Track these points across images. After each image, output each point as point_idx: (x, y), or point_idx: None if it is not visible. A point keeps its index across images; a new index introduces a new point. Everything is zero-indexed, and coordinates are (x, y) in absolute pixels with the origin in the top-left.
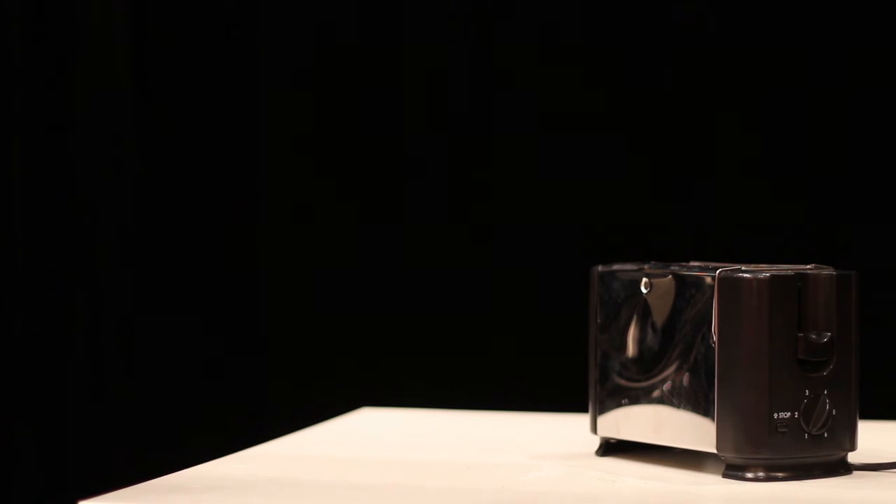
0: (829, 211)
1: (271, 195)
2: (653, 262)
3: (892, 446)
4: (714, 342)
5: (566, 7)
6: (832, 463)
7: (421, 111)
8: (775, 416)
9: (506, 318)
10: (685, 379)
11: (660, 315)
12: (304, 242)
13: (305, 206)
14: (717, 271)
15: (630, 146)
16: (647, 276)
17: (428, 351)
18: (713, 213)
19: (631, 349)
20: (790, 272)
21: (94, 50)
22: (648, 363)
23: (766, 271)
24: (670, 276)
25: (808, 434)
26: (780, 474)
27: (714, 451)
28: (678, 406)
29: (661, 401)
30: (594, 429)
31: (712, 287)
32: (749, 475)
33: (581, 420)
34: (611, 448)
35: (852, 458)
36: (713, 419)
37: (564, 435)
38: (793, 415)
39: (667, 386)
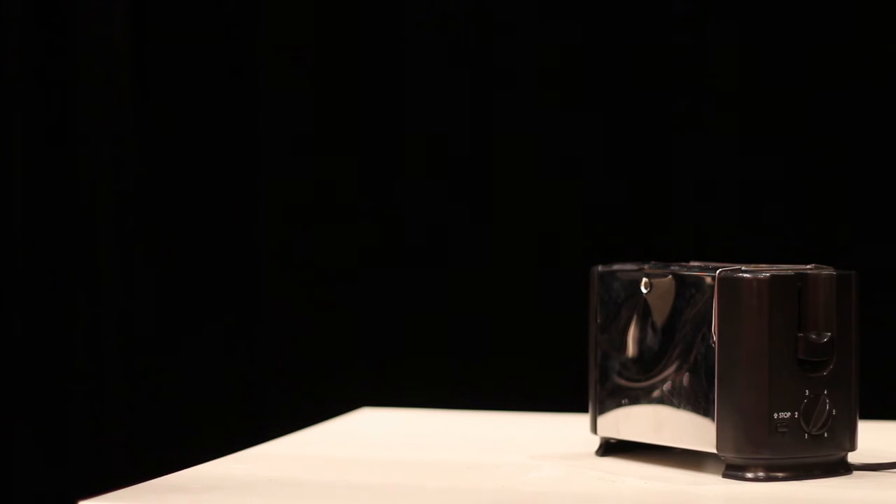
0: (829, 211)
1: (271, 195)
2: (653, 262)
3: (892, 446)
4: (714, 342)
5: (566, 7)
6: (832, 463)
7: (421, 110)
8: (775, 416)
9: (506, 318)
10: (685, 379)
11: (660, 315)
12: (304, 242)
13: (305, 205)
14: (717, 271)
15: (630, 146)
16: (647, 276)
17: (428, 351)
18: (713, 213)
19: (631, 349)
20: (790, 272)
21: (94, 50)
22: (648, 363)
23: (766, 271)
24: (670, 276)
25: (808, 434)
26: (780, 474)
27: (714, 451)
28: (678, 406)
29: (661, 401)
30: (594, 429)
31: (712, 287)
32: (749, 475)
33: (581, 420)
34: (611, 448)
35: (852, 458)
36: (713, 419)
37: (564, 435)
38: (793, 415)
39: (667, 386)
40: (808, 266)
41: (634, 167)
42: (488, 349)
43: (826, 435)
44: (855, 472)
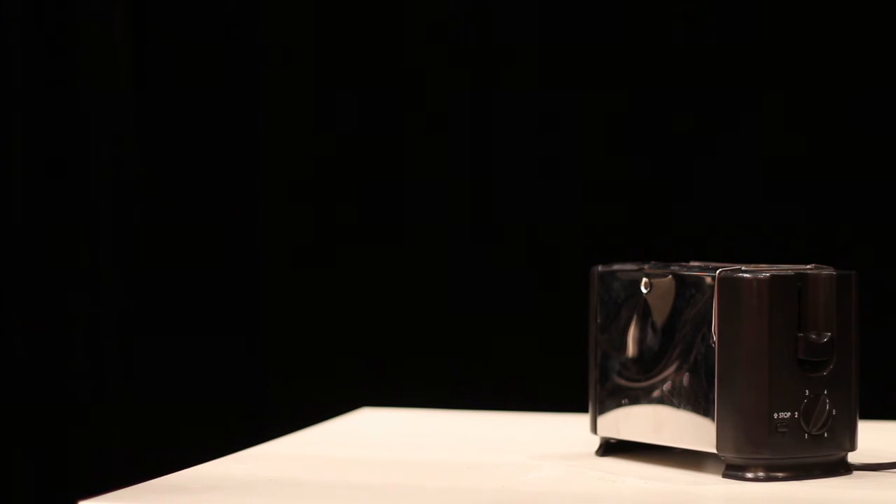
0: (829, 211)
1: (271, 195)
2: (653, 262)
3: (892, 446)
4: (714, 342)
5: (566, 7)
6: (832, 463)
7: (421, 110)
8: (775, 416)
9: (506, 318)
10: (685, 379)
11: (660, 315)
12: (304, 242)
13: (305, 205)
14: (717, 271)
15: (630, 146)
16: (647, 276)
17: (428, 351)
18: (713, 213)
19: (631, 349)
20: (790, 272)
21: (94, 50)
22: (648, 363)
23: (766, 271)
24: (670, 276)
25: (808, 434)
26: (780, 474)
27: (714, 451)
28: (678, 406)
29: (661, 401)
30: (594, 429)
31: (712, 287)
32: (749, 475)
33: (581, 420)
34: (611, 448)
35: (852, 458)
36: (713, 419)
37: (564, 435)
38: (793, 415)
39: (667, 386)
40: (808, 266)
41: (634, 167)
42: (488, 349)
43: (826, 435)
44: (855, 472)
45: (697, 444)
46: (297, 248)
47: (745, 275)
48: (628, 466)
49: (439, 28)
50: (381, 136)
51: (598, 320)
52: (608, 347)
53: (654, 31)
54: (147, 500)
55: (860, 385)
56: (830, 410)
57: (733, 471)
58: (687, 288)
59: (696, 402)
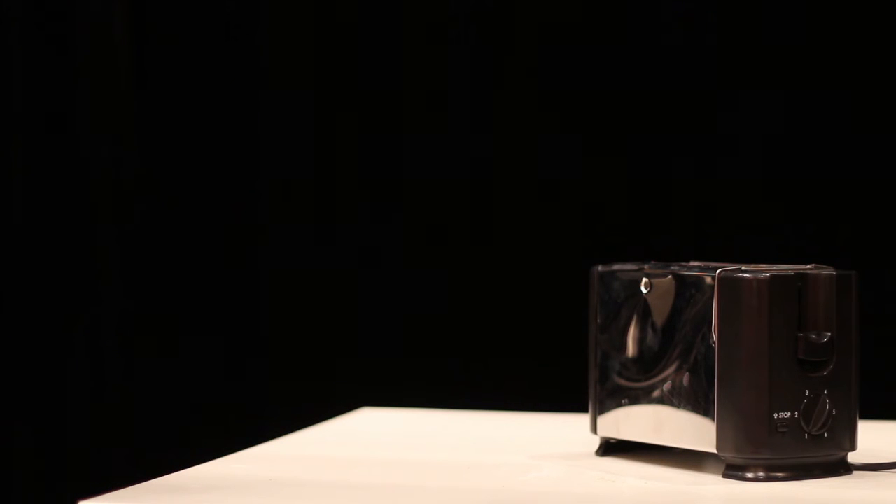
0: (829, 211)
1: (271, 195)
2: (653, 262)
3: (892, 446)
4: (714, 342)
5: (566, 7)
6: (832, 463)
7: (421, 111)
8: (775, 416)
9: (506, 317)
10: (685, 379)
11: (660, 315)
12: (304, 242)
13: (305, 205)
14: (717, 271)
15: (630, 146)
16: (647, 276)
17: (428, 351)
18: (713, 213)
19: (631, 349)
20: (790, 272)
21: (94, 50)
22: (648, 363)
23: (766, 271)
24: (670, 276)
25: (808, 434)
26: (780, 474)
27: (714, 451)
28: (678, 406)
29: (661, 401)
30: (594, 429)
31: (712, 287)
32: (749, 475)
33: (581, 420)
34: (611, 448)
35: (852, 458)
36: (713, 419)
37: (564, 435)
38: (793, 415)
39: (667, 386)
40: (808, 266)
41: (635, 167)
42: (488, 349)
43: (826, 435)
44: (855, 472)
45: (697, 444)
46: (297, 247)
47: (745, 275)
48: (628, 466)
49: (439, 28)
50: (381, 136)
51: (598, 320)
52: (608, 347)
53: (654, 31)
54: (147, 500)
55: (860, 385)
56: (830, 410)
57: (733, 471)
58: (687, 288)
59: (696, 402)
